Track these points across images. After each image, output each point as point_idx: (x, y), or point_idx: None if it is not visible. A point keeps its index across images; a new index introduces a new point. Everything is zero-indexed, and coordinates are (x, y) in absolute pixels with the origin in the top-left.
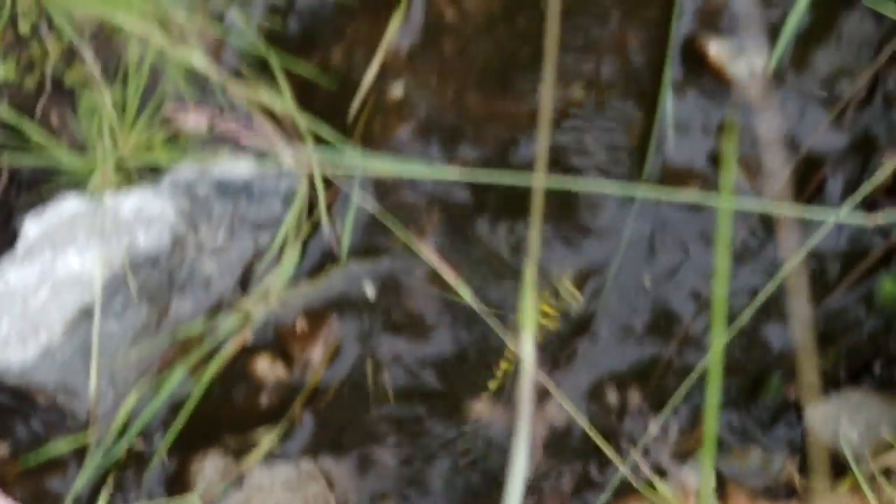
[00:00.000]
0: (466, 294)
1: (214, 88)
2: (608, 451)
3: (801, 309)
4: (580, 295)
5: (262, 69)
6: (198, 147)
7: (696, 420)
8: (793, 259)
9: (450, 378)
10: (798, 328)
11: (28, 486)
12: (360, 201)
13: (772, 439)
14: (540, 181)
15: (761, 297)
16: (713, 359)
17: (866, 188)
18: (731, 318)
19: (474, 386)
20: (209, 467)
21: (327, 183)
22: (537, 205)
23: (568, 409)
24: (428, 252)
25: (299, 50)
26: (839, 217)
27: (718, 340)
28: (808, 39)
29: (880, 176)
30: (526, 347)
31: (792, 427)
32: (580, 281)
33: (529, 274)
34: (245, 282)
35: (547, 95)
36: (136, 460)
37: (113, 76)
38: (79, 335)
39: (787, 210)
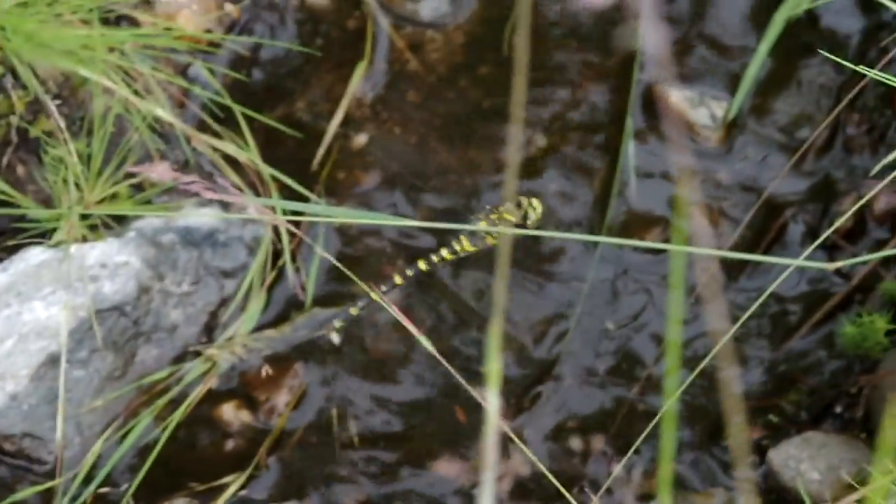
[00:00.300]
0: (426, 343)
1: (179, 139)
2: (569, 497)
3: (729, 374)
4: (539, 207)
5: (226, 120)
6: (163, 197)
7: (658, 462)
8: (755, 303)
9: (414, 423)
10: (727, 393)
11: None
12: (324, 249)
13: (734, 481)
14: (505, 231)
15: (722, 342)
16: (668, 403)
17: (827, 233)
18: (694, 361)
19: (439, 431)
20: None
21: (292, 231)
22: (503, 262)
23: (529, 455)
24: (388, 301)
25: (264, 100)
26: (799, 262)
27: (672, 384)
28: (769, 87)
29: (841, 220)
30: (491, 402)
31: (754, 469)
32: (545, 327)
33: (495, 332)
34: (210, 329)
35: (515, 145)
36: None
37: (79, 128)
38: (45, 383)
39: (746, 256)
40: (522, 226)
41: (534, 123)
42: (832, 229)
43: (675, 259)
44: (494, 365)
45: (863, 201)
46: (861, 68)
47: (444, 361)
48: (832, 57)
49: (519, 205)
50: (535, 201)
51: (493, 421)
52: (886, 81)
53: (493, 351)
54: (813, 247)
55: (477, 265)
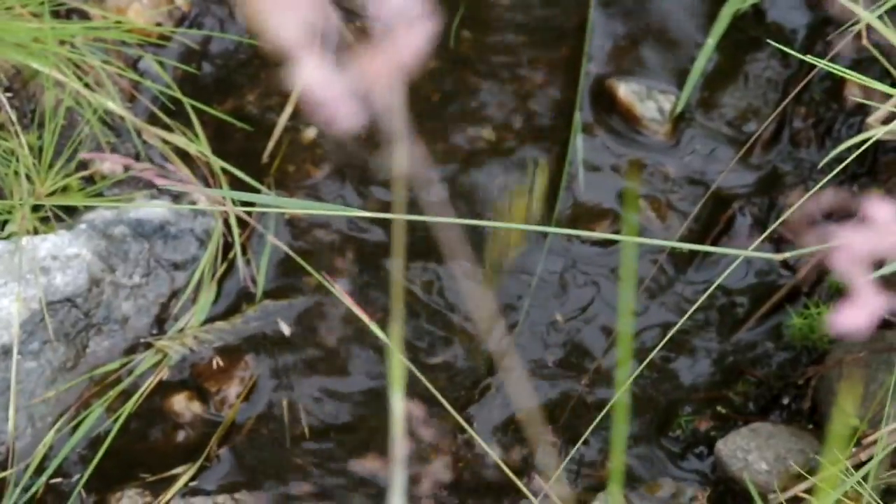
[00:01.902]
0: (378, 331)
1: (130, 132)
2: (520, 485)
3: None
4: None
5: (177, 112)
6: (114, 189)
7: (608, 453)
8: (702, 295)
9: (364, 414)
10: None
11: None
12: (275, 241)
13: (682, 472)
14: (399, 223)
15: (671, 333)
16: (618, 393)
17: (774, 225)
18: (643, 352)
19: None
20: (127, 503)
21: (242, 223)
22: (398, 244)
23: (481, 443)
24: (340, 291)
25: (214, 93)
26: (746, 253)
27: (624, 376)
28: (716, 80)
29: (788, 213)
30: (396, 407)
31: (702, 459)
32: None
33: (395, 332)
34: (162, 321)
35: (401, 156)
36: (55, 497)
37: (30, 120)
38: None
39: (694, 246)
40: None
41: (479, 115)
42: (779, 221)
43: (625, 251)
44: (397, 366)
45: (809, 194)
46: (810, 58)
47: (396, 351)
48: (781, 47)
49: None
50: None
51: (398, 422)
52: (834, 72)
53: (395, 352)
54: (760, 239)
55: (427, 256)
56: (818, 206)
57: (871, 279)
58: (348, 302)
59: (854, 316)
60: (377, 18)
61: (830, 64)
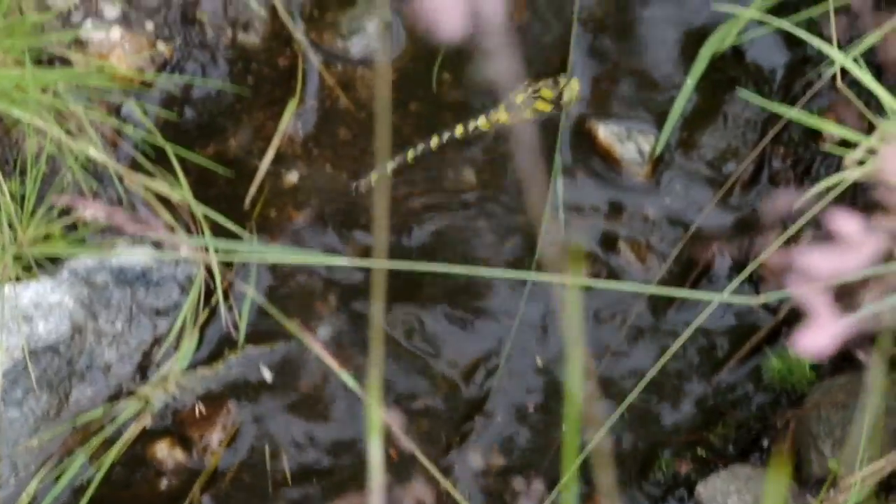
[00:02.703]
0: (350, 381)
1: (112, 178)
2: None
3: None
4: (577, 88)
5: (159, 158)
6: (96, 236)
7: (589, 497)
8: (680, 338)
9: (346, 460)
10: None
11: None
12: (257, 286)
13: None
14: (381, 267)
15: (648, 376)
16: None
17: (751, 267)
18: (623, 396)
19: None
20: None
21: (224, 269)
22: (378, 288)
23: (455, 495)
24: (312, 340)
25: (196, 138)
26: (722, 297)
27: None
28: (695, 121)
29: (765, 254)
30: (374, 454)
31: (683, 503)
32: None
33: (374, 378)
34: (144, 368)
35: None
36: None
37: (12, 168)
38: None
39: (668, 291)
40: (557, 105)
41: (462, 160)
42: (756, 263)
43: (568, 321)
44: (375, 414)
45: (787, 234)
46: (778, 106)
47: (374, 403)
48: (753, 97)
49: (556, 82)
50: (573, 81)
51: (376, 469)
52: (806, 122)
53: (373, 400)
54: (737, 281)
55: (409, 300)
56: (797, 247)
57: (831, 302)
58: (320, 352)
59: (816, 337)
60: None
61: (800, 112)
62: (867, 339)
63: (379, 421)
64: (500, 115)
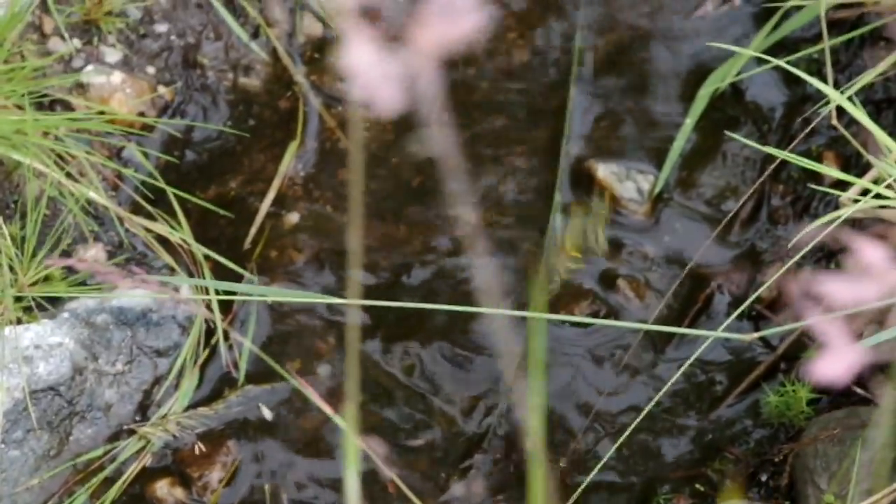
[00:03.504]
0: (342, 423)
1: (113, 221)
2: None
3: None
4: (605, 243)
5: (160, 200)
6: (96, 277)
7: None
8: (675, 374)
9: (345, 497)
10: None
11: None
12: (257, 326)
13: None
14: (354, 307)
15: (644, 411)
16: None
17: (746, 303)
18: (622, 431)
19: None
20: None
21: (225, 309)
22: (352, 335)
23: None
24: (301, 382)
25: (197, 181)
26: (717, 334)
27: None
28: (694, 160)
29: (762, 291)
30: (350, 484)
31: None
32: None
33: (349, 412)
34: (145, 407)
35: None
36: None
37: (13, 211)
38: None
39: (667, 328)
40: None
41: (461, 200)
42: (751, 299)
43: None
44: (351, 444)
45: (781, 272)
46: (767, 149)
47: (367, 449)
48: (743, 140)
49: (585, 238)
50: (599, 233)
51: (353, 500)
52: (796, 162)
53: (349, 433)
54: (732, 317)
55: (408, 338)
56: (796, 283)
57: (848, 332)
58: (310, 394)
59: (832, 366)
60: None
61: (789, 153)
62: (867, 373)
63: (355, 451)
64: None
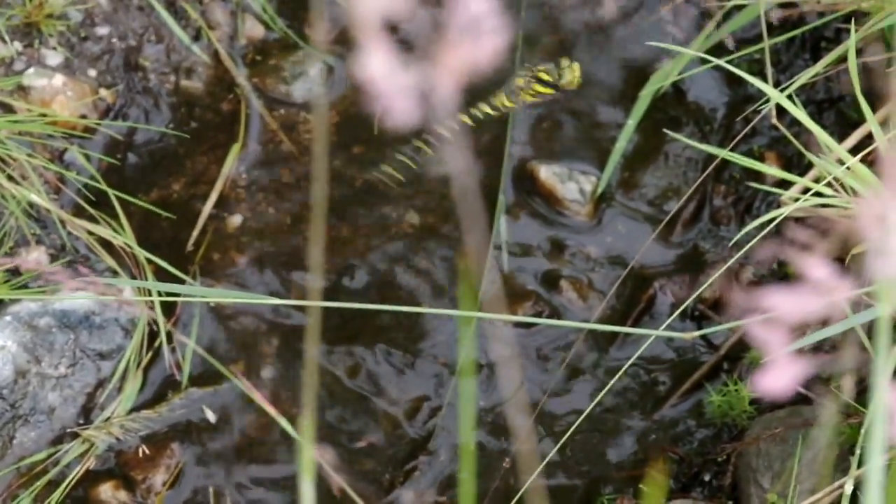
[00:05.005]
0: (288, 427)
1: (55, 224)
2: None
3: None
4: (578, 70)
5: (102, 203)
6: (39, 280)
7: None
8: (617, 374)
9: (289, 500)
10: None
11: None
12: (200, 329)
13: None
14: (315, 309)
15: (587, 412)
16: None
17: (687, 302)
18: (565, 431)
19: None
20: None
21: (168, 312)
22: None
23: None
24: (248, 385)
25: (139, 183)
26: (658, 332)
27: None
28: (637, 161)
29: (703, 290)
30: (306, 493)
31: None
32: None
33: (307, 419)
34: (88, 410)
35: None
36: None
37: None
38: None
39: (608, 327)
40: (557, 87)
41: (405, 201)
42: (692, 298)
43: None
44: (307, 453)
45: (723, 269)
46: (709, 148)
47: (307, 443)
48: (683, 139)
49: (557, 65)
50: (575, 64)
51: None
52: (738, 161)
53: (306, 440)
54: (673, 316)
55: (351, 340)
56: (738, 282)
57: (791, 344)
58: (255, 395)
59: (776, 379)
60: None
61: (733, 154)
62: (812, 376)
63: (311, 460)
64: (503, 100)
